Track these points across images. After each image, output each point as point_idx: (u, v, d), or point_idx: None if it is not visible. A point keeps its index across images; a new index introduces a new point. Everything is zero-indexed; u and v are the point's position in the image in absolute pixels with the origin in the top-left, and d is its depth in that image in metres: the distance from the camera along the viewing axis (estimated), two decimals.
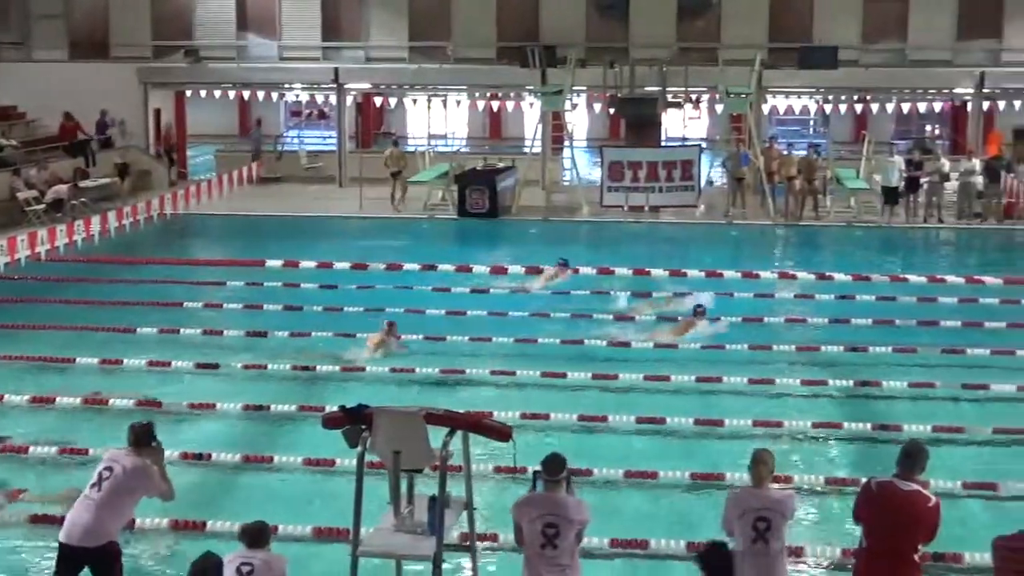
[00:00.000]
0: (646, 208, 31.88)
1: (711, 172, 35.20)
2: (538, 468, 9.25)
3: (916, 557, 8.87)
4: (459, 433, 8.98)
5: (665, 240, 29.65)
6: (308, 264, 23.70)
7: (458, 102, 46.40)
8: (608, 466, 13.51)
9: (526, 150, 36.86)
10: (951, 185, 31.81)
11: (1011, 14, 37.36)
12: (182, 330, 19.53)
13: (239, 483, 13.50)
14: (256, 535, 9.08)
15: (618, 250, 27.60)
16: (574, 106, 37.45)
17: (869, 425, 14.95)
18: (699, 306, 20.26)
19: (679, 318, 20.37)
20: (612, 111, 39.17)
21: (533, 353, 18.32)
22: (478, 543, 9.80)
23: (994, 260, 27.86)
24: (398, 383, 16.98)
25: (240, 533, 9.23)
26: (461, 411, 9.84)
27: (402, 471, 8.97)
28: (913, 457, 9.09)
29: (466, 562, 9.73)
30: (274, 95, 43.62)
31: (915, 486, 8.94)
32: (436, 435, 8.85)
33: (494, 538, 11.18)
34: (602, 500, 12.89)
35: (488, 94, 43.75)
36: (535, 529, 9.05)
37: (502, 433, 9.16)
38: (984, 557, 9.65)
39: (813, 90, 39.70)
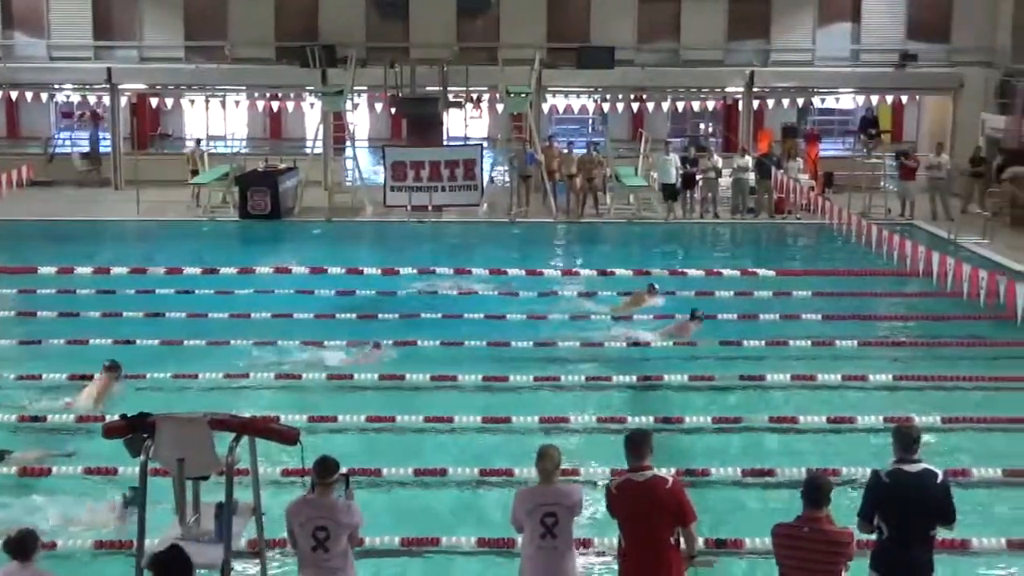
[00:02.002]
0: (430, 207, 31.92)
1: (493, 171, 35.45)
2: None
3: (672, 541, 9.04)
4: (245, 438, 8.87)
5: (449, 239, 29.74)
6: (84, 270, 23.01)
7: (237, 102, 45.64)
8: (397, 465, 13.52)
9: (308, 151, 36.58)
10: (725, 181, 32.74)
11: (778, 15, 38.64)
12: None
13: (16, 497, 13.02)
14: (19, 546, 8.73)
15: (402, 250, 27.59)
16: (355, 106, 37.31)
17: (652, 418, 15.21)
18: (652, 284, 21.61)
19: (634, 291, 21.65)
20: (394, 111, 39.06)
21: (319, 356, 18.22)
22: (267, 549, 9.68)
23: (767, 254, 28.79)
24: (180, 389, 16.61)
25: (3, 547, 8.88)
26: (247, 415, 9.69)
27: (187, 479, 8.81)
28: (638, 445, 9.24)
29: (255, 569, 9.60)
30: (43, 96, 42.13)
31: (650, 473, 9.11)
32: (222, 441, 8.71)
33: (283, 544, 11.05)
34: (392, 499, 12.92)
35: (268, 94, 43.16)
36: (306, 532, 9.05)
37: (288, 436, 9.00)
38: (764, 542, 9.93)
39: (591, 89, 40.25)
